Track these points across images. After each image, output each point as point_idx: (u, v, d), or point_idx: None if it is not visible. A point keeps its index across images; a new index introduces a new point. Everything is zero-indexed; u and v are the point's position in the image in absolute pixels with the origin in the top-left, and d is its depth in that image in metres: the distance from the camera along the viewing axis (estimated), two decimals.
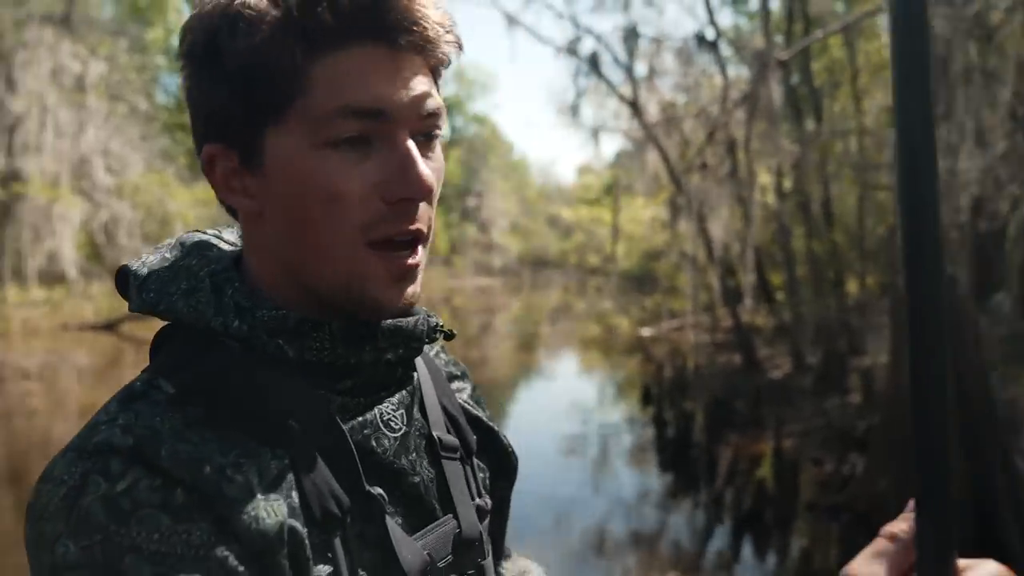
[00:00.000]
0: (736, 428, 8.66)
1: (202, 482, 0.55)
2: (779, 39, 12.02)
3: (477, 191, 46.78)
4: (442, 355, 0.86)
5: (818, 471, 7.10)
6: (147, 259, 0.68)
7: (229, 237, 0.73)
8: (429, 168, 0.63)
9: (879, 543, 0.55)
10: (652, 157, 12.57)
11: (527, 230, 50.28)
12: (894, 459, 5.43)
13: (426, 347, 0.80)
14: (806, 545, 5.83)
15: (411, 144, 0.62)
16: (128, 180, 19.57)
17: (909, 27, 0.51)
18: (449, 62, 0.66)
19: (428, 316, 0.70)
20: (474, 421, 0.80)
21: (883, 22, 7.73)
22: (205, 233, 0.72)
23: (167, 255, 0.68)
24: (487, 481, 0.81)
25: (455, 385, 0.83)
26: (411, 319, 0.67)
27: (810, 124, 11.69)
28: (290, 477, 0.60)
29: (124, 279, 0.68)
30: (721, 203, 10.12)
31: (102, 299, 19.46)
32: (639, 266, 23.54)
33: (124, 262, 0.69)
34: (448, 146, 48.81)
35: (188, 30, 0.63)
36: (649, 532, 6.21)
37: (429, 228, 0.66)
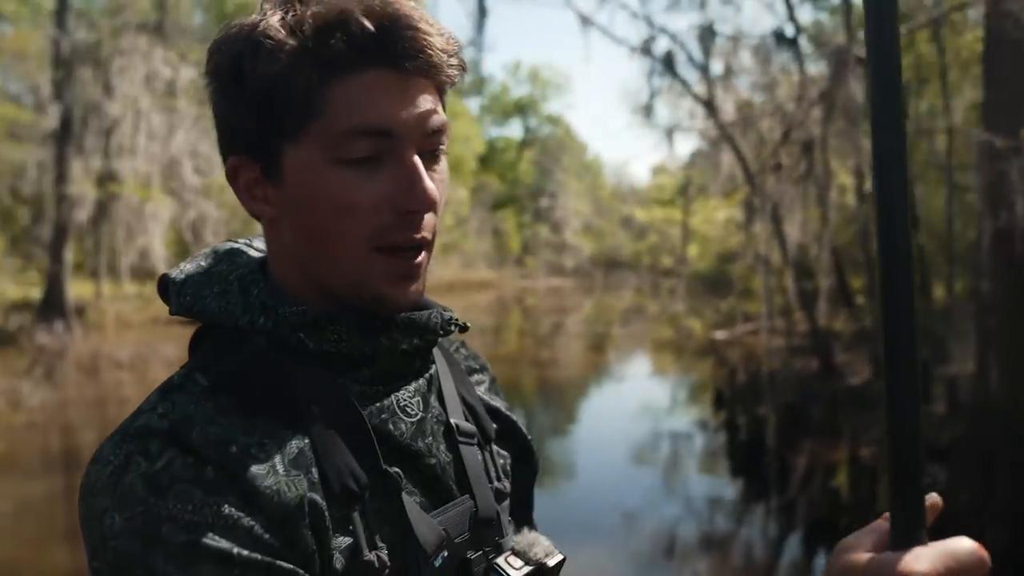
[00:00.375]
0: (811, 435, 8.45)
1: (229, 460, 0.61)
2: (862, 35, 11.65)
3: (550, 191, 46.77)
4: (462, 350, 0.92)
5: None
6: (184, 267, 0.75)
7: (259, 245, 0.79)
8: (434, 182, 0.69)
9: (876, 522, 0.59)
10: (727, 157, 12.36)
11: (600, 231, 50.01)
12: (978, 471, 5.23)
13: (447, 342, 0.87)
14: None
15: (417, 160, 0.68)
16: (214, 180, 20.29)
17: (880, 40, 0.56)
18: (454, 83, 0.70)
19: (443, 310, 0.76)
20: (493, 411, 0.86)
21: (974, 15, 7.43)
22: (237, 242, 0.79)
23: (202, 263, 0.75)
24: (507, 467, 0.85)
25: (475, 378, 0.89)
26: (425, 312, 0.73)
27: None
28: (310, 456, 0.65)
29: (165, 287, 0.75)
30: (797, 204, 9.87)
31: None
32: (713, 268, 23.16)
33: (163, 273, 0.76)
34: (521, 146, 48.91)
35: (214, 51, 0.69)
36: (720, 538, 6.12)
37: (433, 235, 0.72)
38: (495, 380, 0.93)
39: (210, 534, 0.58)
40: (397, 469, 0.69)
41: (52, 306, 16.85)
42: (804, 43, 12.54)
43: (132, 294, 19.76)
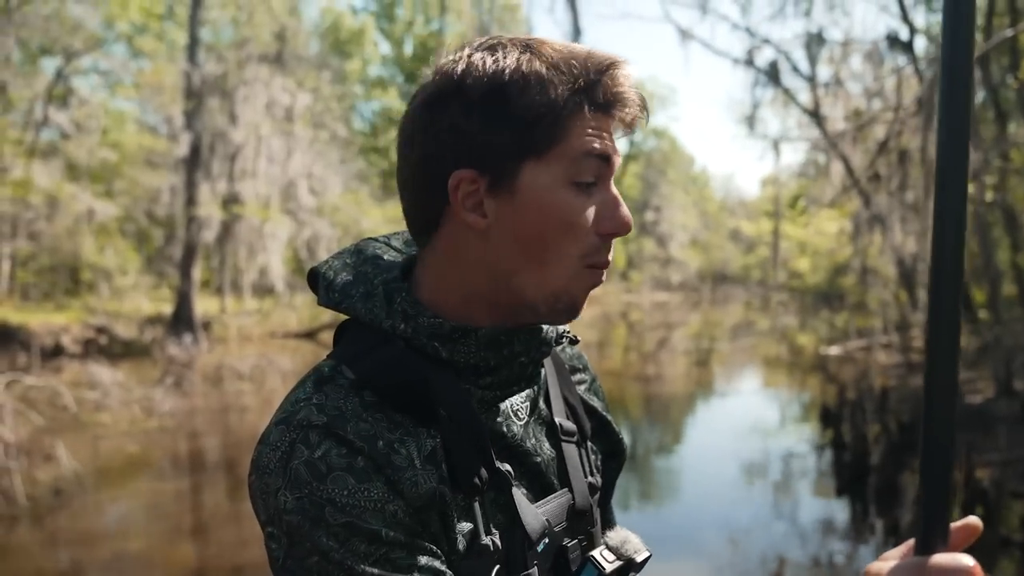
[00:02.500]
0: None
1: (376, 453, 0.70)
2: (979, 38, 11.07)
3: (655, 205, 46.20)
4: (568, 349, 0.99)
5: (1018, 505, 6.49)
6: (332, 263, 0.84)
7: (396, 244, 0.88)
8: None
9: (909, 540, 0.65)
10: (836, 167, 11.96)
11: (707, 244, 48.95)
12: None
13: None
14: None
15: (615, 190, 0.79)
16: (328, 200, 21.06)
17: (954, 64, 0.59)
18: (636, 128, 0.82)
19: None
20: (590, 410, 0.95)
21: None
22: (377, 240, 0.88)
23: (348, 260, 0.84)
24: (599, 463, 0.95)
25: (576, 377, 0.97)
26: (543, 327, 0.82)
27: (1018, 127, 10.65)
28: (440, 453, 0.74)
29: (314, 278, 0.84)
30: (910, 215, 9.46)
31: (304, 310, 21.13)
32: (826, 281, 22.30)
33: (312, 266, 0.85)
34: (627, 160, 48.58)
35: (469, 74, 0.76)
36: (828, 559, 5.94)
37: None
38: (595, 380, 1.00)
39: (363, 516, 0.68)
40: (508, 467, 0.78)
41: (181, 320, 17.86)
42: (920, 46, 12.01)
43: (253, 309, 20.75)
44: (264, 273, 19.14)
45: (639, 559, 0.85)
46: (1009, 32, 9.25)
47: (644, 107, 0.80)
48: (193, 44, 19.16)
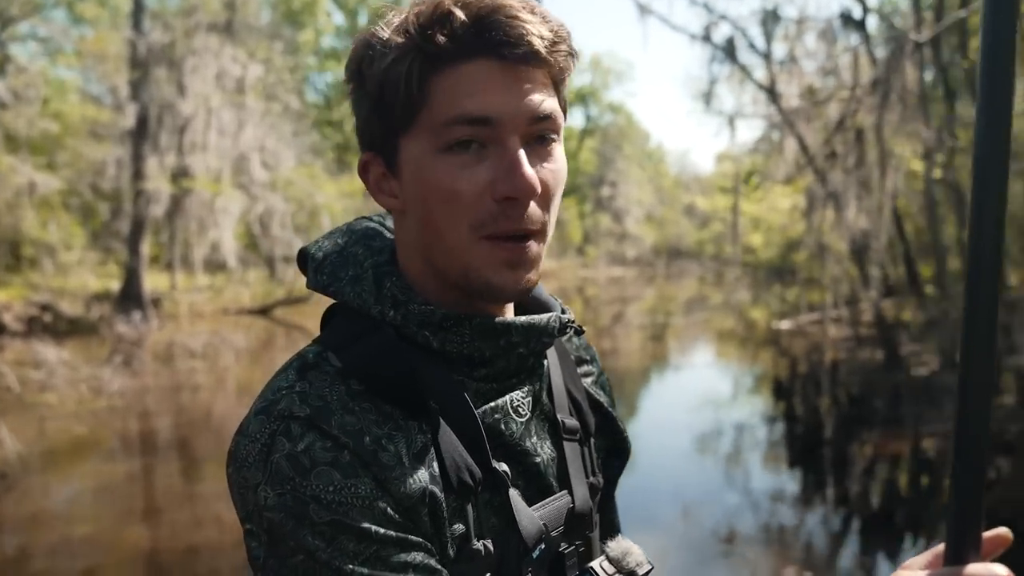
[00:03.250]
0: (874, 426, 8.29)
1: (362, 449, 0.65)
2: (927, 17, 11.25)
3: (611, 180, 46.38)
4: (575, 339, 0.93)
5: None
6: (322, 244, 0.78)
7: (390, 223, 0.81)
8: (542, 170, 0.70)
9: (937, 546, 0.63)
10: (790, 144, 12.11)
11: (662, 219, 49.42)
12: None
13: None
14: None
15: (519, 148, 0.68)
16: (281, 174, 20.70)
17: (997, 45, 0.56)
18: (561, 69, 0.71)
19: (561, 313, 0.79)
20: (595, 405, 0.89)
21: None
22: (371, 220, 0.82)
23: (339, 240, 0.78)
24: (601, 461, 0.89)
25: (583, 369, 0.91)
26: (544, 316, 0.75)
27: (964, 107, 10.89)
28: (432, 450, 0.69)
29: (303, 259, 0.79)
30: (860, 191, 9.64)
31: (257, 285, 20.83)
32: (778, 257, 22.71)
33: (302, 246, 0.81)
34: (583, 135, 48.64)
35: (349, 59, 0.74)
36: (779, 529, 6.08)
37: (543, 226, 0.72)
38: (602, 373, 0.94)
39: (350, 514, 0.63)
40: (505, 466, 0.73)
41: (130, 297, 17.49)
42: (872, 25, 12.18)
43: (204, 285, 20.38)
44: (216, 248, 18.79)
45: (640, 572, 0.80)
46: (963, 13, 9.42)
47: (558, 40, 0.69)
48: (138, 11, 18.53)
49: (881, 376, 9.76)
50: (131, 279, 17.82)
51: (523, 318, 0.75)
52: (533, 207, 0.70)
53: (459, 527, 0.70)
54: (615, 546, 0.81)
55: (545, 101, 0.69)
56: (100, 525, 5.85)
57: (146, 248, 18.41)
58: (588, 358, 0.93)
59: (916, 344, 11.18)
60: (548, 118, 0.70)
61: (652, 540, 5.53)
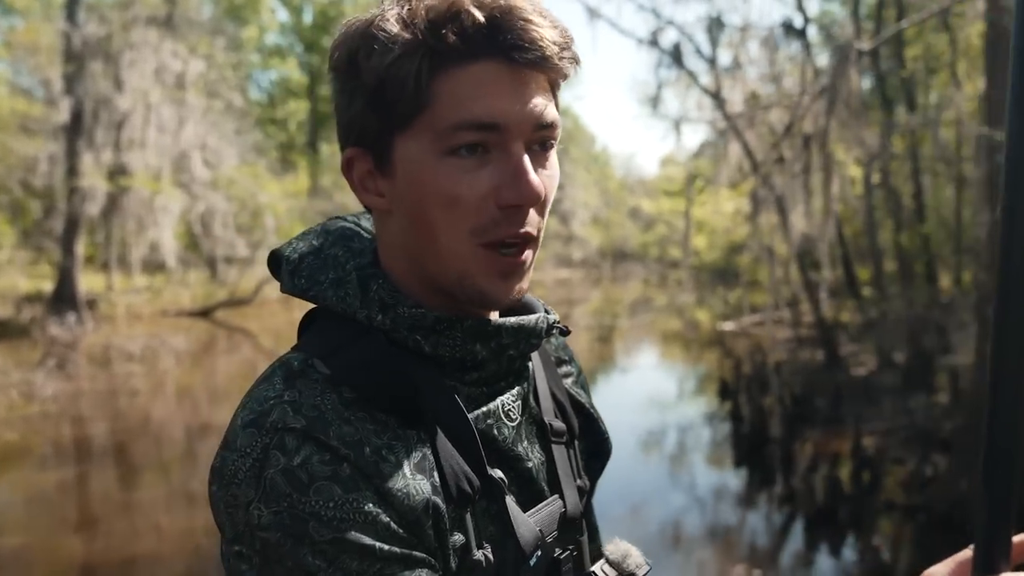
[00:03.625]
0: (815, 425, 8.48)
1: (363, 460, 0.62)
2: (871, 26, 11.61)
3: (559, 183, 46.63)
4: (553, 340, 0.91)
5: (899, 471, 6.91)
6: (296, 245, 0.74)
7: (366, 223, 0.78)
8: (541, 177, 0.69)
9: (961, 552, 0.60)
10: (734, 148, 12.33)
11: (608, 222, 49.92)
12: (979, 460, 5.25)
13: None
14: (883, 544, 5.71)
15: (524, 154, 0.67)
16: (223, 173, 20.30)
17: None
18: (567, 76, 0.69)
19: (547, 314, 0.77)
20: (577, 406, 0.88)
21: (980, 7, 7.39)
22: (346, 220, 0.78)
23: (314, 242, 0.74)
24: (584, 463, 0.87)
25: (563, 369, 0.90)
26: (532, 318, 0.73)
27: (901, 114, 11.26)
28: (431, 459, 0.66)
29: (276, 262, 0.75)
30: (802, 196, 9.88)
31: (198, 287, 20.36)
32: (721, 259, 23.14)
33: (273, 249, 0.76)
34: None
35: (336, 46, 0.70)
36: (724, 527, 6.17)
37: (539, 232, 0.71)
38: (581, 372, 0.93)
39: (353, 531, 0.60)
40: (500, 473, 0.71)
41: (64, 298, 16.91)
42: (813, 34, 12.50)
43: (143, 286, 19.85)
44: (155, 248, 18.29)
45: (640, 574, 0.78)
46: (905, 23, 9.73)
47: (565, 46, 0.67)
48: (72, 3, 17.94)
49: (822, 376, 10.00)
50: (65, 279, 17.23)
51: (512, 319, 0.72)
52: (532, 213, 0.69)
53: (459, 537, 0.67)
54: (614, 548, 0.80)
55: (549, 107, 0.68)
56: (32, 536, 5.62)
57: (81, 248, 17.83)
58: (567, 358, 0.92)
59: (855, 345, 11.51)
60: (551, 125, 0.69)
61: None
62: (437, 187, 0.66)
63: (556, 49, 0.66)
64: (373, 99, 0.67)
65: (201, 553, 5.12)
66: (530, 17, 0.65)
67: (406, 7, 0.66)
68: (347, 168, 0.72)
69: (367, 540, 0.60)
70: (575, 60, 0.69)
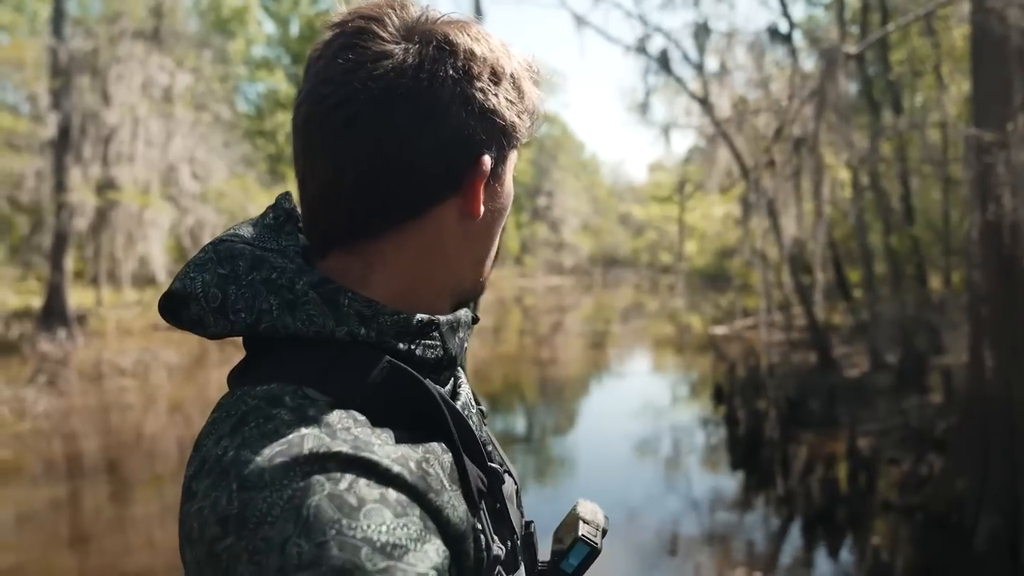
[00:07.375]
0: (810, 427, 8.51)
1: (411, 479, 0.59)
2: (855, 30, 11.70)
3: (547, 190, 46.76)
4: None
5: (894, 471, 6.94)
6: (199, 279, 0.67)
7: (244, 233, 0.72)
8: None
9: None
10: (723, 153, 12.40)
11: (598, 229, 50.03)
12: (973, 459, 5.28)
13: None
14: (880, 545, 5.72)
15: None
16: (212, 186, 20.25)
17: None
18: None
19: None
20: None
21: (964, 10, 7.46)
22: (234, 241, 0.70)
23: (220, 271, 0.67)
24: None
25: None
26: (464, 310, 0.77)
27: (888, 117, 11.34)
28: (455, 466, 0.65)
29: (179, 304, 0.68)
30: (792, 199, 9.93)
31: None
32: (712, 264, 23.21)
33: (163, 295, 0.68)
34: (520, 146, 48.71)
35: (475, 50, 0.69)
36: (721, 531, 6.17)
37: None
38: None
39: (407, 557, 0.55)
40: (496, 464, 0.73)
41: (53, 314, 16.80)
42: (798, 39, 12.60)
43: (132, 301, 19.74)
44: (144, 263, 18.22)
45: (606, 526, 0.86)
46: (890, 27, 9.81)
47: None
48: (58, 17, 17.87)
49: (816, 378, 10.04)
50: (54, 295, 17.10)
51: (461, 312, 0.75)
52: None
53: (482, 537, 0.68)
54: (583, 509, 0.85)
55: None
56: (25, 554, 5.57)
57: (70, 263, 17.73)
58: None
59: (847, 347, 11.55)
60: None
61: None
62: (508, 199, 0.76)
63: None
64: (526, 117, 0.73)
65: None
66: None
67: (525, 64, 0.74)
68: (479, 174, 0.70)
69: (421, 567, 0.56)
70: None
